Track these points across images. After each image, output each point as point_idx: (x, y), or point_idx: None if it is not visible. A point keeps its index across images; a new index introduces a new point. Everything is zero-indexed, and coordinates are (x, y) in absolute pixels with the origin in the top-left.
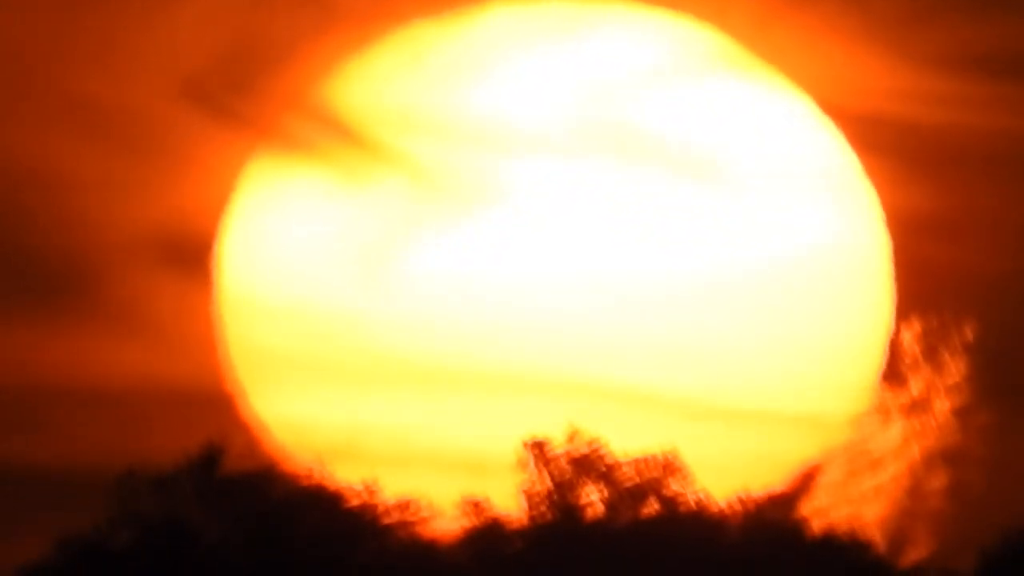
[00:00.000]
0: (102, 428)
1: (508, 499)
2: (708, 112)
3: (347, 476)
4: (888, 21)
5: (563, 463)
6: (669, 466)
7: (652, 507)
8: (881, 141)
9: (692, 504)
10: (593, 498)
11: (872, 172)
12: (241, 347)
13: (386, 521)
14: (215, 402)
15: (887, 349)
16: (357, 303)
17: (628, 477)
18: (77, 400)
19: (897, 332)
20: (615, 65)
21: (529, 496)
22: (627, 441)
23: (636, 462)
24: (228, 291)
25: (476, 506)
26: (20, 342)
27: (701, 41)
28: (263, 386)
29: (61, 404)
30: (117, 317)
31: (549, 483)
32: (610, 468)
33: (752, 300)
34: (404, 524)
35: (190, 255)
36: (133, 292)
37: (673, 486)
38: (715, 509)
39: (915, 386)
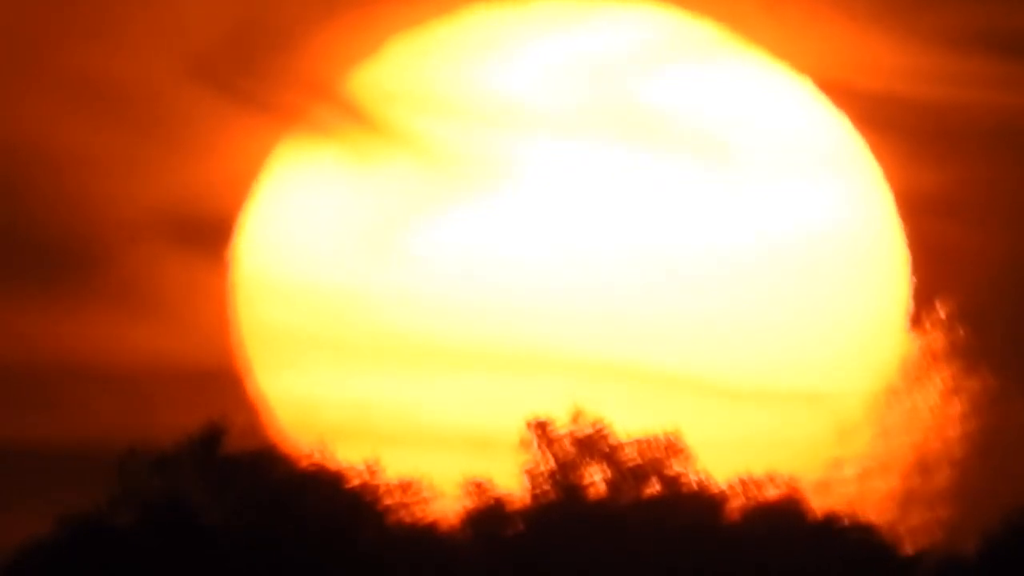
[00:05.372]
0: (106, 406)
1: (511, 479)
2: (717, 94)
3: (349, 455)
4: (893, 0)
5: (566, 443)
6: (672, 447)
7: (654, 488)
8: (888, 120)
9: (694, 485)
10: (596, 478)
11: (879, 151)
12: (250, 326)
13: (387, 501)
14: (220, 381)
15: (895, 328)
16: (366, 282)
17: (631, 457)
18: (82, 378)
19: (904, 310)
20: (625, 48)
21: (532, 476)
22: (632, 421)
23: (639, 442)
24: (240, 270)
25: (479, 486)
26: (28, 320)
27: (710, 24)
28: (270, 365)
29: (66, 382)
30: (123, 297)
31: (552, 463)
32: (613, 448)
33: (760, 280)
34: (406, 504)
35: (198, 235)
36: (140, 271)
37: (675, 467)
38: (716, 490)
39: (922, 366)
